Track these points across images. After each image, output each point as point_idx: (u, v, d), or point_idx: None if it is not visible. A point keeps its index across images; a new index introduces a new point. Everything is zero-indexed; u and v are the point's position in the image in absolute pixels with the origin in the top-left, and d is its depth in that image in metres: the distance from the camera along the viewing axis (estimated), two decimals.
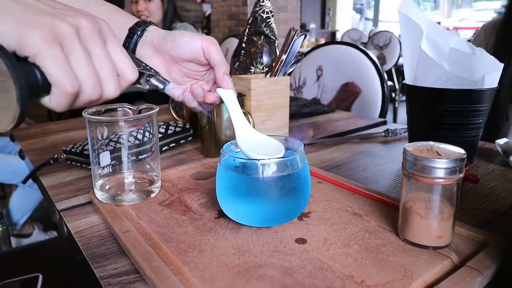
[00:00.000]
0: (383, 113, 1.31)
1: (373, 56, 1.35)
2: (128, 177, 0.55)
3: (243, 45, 1.03)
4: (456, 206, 0.39)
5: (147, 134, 0.54)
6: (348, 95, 1.40)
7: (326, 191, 0.54)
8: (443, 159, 0.37)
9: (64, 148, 0.71)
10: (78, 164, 0.69)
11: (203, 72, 0.54)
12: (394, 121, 3.80)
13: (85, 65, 0.35)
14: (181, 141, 0.80)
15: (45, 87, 0.33)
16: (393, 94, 3.99)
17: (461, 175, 0.38)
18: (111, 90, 0.38)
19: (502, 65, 0.63)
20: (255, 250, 0.40)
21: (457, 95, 0.62)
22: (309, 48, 1.63)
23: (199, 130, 0.76)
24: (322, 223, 0.45)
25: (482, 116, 0.64)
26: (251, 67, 0.99)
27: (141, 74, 0.45)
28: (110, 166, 0.53)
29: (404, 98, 0.75)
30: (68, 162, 0.70)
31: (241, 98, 0.76)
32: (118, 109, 0.54)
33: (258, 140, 0.48)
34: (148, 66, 0.46)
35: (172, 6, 1.91)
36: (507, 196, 0.56)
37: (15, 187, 1.71)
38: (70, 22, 0.34)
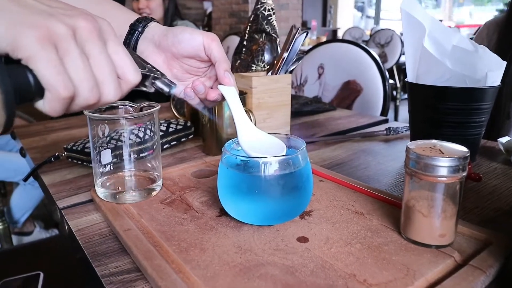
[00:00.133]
0: (384, 111, 1.31)
1: (375, 54, 1.35)
2: (129, 175, 0.55)
3: (244, 43, 1.02)
4: (459, 205, 0.39)
5: (148, 132, 0.54)
6: (349, 93, 1.39)
7: (328, 189, 0.54)
8: (446, 157, 0.37)
9: (65, 146, 0.71)
10: (79, 162, 0.69)
11: (205, 68, 0.53)
12: (396, 119, 3.79)
13: (81, 67, 0.33)
14: (182, 139, 0.80)
15: (39, 91, 0.32)
16: (395, 92, 3.99)
17: (464, 173, 0.38)
18: (110, 93, 0.36)
19: (504, 63, 0.63)
20: (256, 249, 0.40)
21: (460, 93, 0.62)
22: (310, 46, 1.62)
23: (201, 128, 0.76)
24: (324, 222, 0.45)
25: (485, 114, 0.64)
26: (252, 65, 0.99)
27: (145, 76, 0.43)
28: (111, 164, 0.53)
29: (405, 96, 0.75)
30: (69, 160, 0.70)
31: (243, 96, 0.76)
32: (119, 107, 0.54)
33: (259, 138, 0.48)
34: (153, 67, 0.44)
35: (173, 4, 1.90)
36: (510, 195, 0.56)
37: (16, 185, 1.71)
38: (67, 22, 0.32)
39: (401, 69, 4.08)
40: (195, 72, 0.53)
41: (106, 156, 0.52)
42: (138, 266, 0.40)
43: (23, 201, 1.69)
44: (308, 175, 0.45)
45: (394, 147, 0.79)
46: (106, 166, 0.53)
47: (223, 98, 0.50)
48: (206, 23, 5.33)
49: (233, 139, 0.48)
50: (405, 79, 0.70)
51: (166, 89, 0.46)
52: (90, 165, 0.64)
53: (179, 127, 0.79)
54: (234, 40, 2.39)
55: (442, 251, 0.39)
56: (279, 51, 1.00)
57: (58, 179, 0.65)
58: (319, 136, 0.87)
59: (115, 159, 0.53)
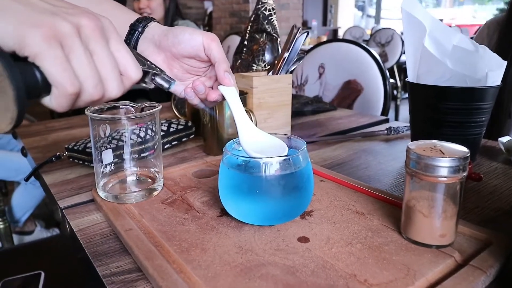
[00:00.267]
0: (385, 111, 1.31)
1: (375, 53, 1.35)
2: (131, 175, 0.55)
3: (245, 42, 1.02)
4: (459, 205, 0.39)
5: (149, 132, 0.54)
6: (350, 92, 1.39)
7: (329, 189, 0.54)
8: (446, 157, 0.37)
9: (66, 146, 0.71)
10: (81, 162, 0.69)
11: (205, 68, 0.53)
12: (396, 119, 3.79)
13: (85, 64, 0.34)
14: (183, 139, 0.80)
15: (46, 87, 0.33)
16: (395, 92, 3.98)
17: (465, 173, 0.38)
18: (114, 89, 0.37)
19: (505, 62, 0.63)
20: (257, 249, 0.40)
21: (460, 93, 0.62)
22: (311, 46, 1.62)
23: (201, 128, 0.76)
24: (325, 222, 0.45)
25: (485, 114, 0.64)
26: (253, 65, 0.99)
27: (145, 73, 0.44)
28: (113, 164, 0.53)
29: (406, 95, 0.75)
30: (71, 160, 0.70)
31: (243, 96, 0.76)
32: (121, 107, 0.54)
33: (260, 138, 0.48)
34: (153, 64, 0.46)
35: (173, 4, 1.90)
36: (510, 195, 0.56)
37: (18, 184, 1.72)
38: (71, 20, 0.33)
39: (401, 68, 4.08)
40: (195, 72, 0.54)
41: (108, 156, 0.52)
42: (139, 266, 0.40)
43: (24, 201, 1.69)
44: (309, 175, 0.45)
45: (394, 147, 0.79)
46: (108, 166, 0.53)
47: (223, 98, 0.51)
48: (207, 22, 5.33)
49: (234, 139, 0.48)
50: (406, 79, 0.70)
51: (165, 85, 0.47)
52: (92, 165, 0.64)
53: (180, 127, 0.79)
54: (235, 40, 2.39)
55: (442, 251, 0.39)
56: (280, 51, 1.00)
57: (59, 179, 0.65)
58: (320, 136, 0.87)
59: (116, 159, 0.53)
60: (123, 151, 0.53)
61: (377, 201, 0.50)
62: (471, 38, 0.69)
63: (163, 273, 0.36)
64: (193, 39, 0.50)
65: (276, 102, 0.82)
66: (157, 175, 0.56)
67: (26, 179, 0.68)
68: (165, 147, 0.76)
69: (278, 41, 1.03)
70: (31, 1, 0.33)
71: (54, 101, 0.34)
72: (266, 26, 1.00)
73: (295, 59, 0.83)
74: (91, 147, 0.53)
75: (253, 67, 0.99)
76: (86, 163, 0.68)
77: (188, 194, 0.54)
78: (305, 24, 6.68)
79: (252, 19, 1.02)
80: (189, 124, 0.81)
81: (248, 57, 1.00)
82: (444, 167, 0.37)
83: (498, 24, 1.04)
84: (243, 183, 0.43)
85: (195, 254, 0.40)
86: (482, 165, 0.68)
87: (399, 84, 4.05)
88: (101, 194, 0.53)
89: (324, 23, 8.73)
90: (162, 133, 0.75)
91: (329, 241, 0.41)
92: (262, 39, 1.00)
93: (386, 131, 0.85)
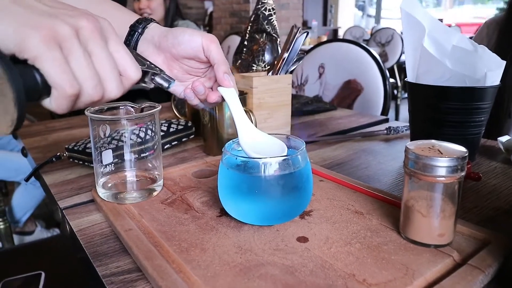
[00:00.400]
0: (385, 111, 1.31)
1: (375, 53, 1.35)
2: (130, 175, 0.55)
3: (245, 42, 1.02)
4: (457, 205, 0.39)
5: (149, 132, 0.54)
6: (350, 92, 1.39)
7: (328, 189, 0.54)
8: (444, 157, 0.37)
9: (66, 146, 0.71)
10: (81, 162, 0.69)
11: (204, 69, 0.54)
12: (396, 118, 3.79)
13: (85, 65, 0.34)
14: (183, 139, 0.80)
15: (45, 89, 0.33)
16: (395, 92, 3.98)
17: (463, 173, 0.38)
18: (113, 90, 0.37)
19: (504, 62, 0.63)
20: (257, 249, 0.40)
21: (460, 93, 0.62)
22: (311, 46, 1.62)
23: (201, 128, 0.76)
24: (324, 222, 0.46)
25: (484, 113, 0.64)
26: (253, 65, 0.99)
27: (145, 73, 0.45)
28: (113, 164, 0.53)
29: (406, 95, 0.75)
30: (71, 160, 0.71)
31: (243, 96, 0.76)
32: (121, 107, 0.54)
33: (260, 138, 0.48)
34: (152, 64, 0.46)
35: (174, 4, 1.90)
36: (509, 194, 0.56)
37: (18, 185, 1.72)
38: (69, 22, 0.34)
39: (402, 68, 4.08)
40: (195, 73, 0.54)
41: (107, 156, 0.52)
42: (139, 266, 0.40)
43: (24, 201, 1.69)
44: (308, 175, 0.45)
45: (394, 147, 0.79)
46: (107, 166, 0.53)
47: (223, 100, 0.51)
48: (207, 22, 5.34)
49: (233, 140, 0.48)
50: (405, 79, 0.71)
51: (165, 84, 0.48)
52: (92, 165, 0.65)
53: (180, 127, 0.79)
54: (235, 40, 2.39)
55: (441, 250, 0.39)
56: (280, 51, 1.00)
57: (59, 179, 0.65)
58: (320, 136, 0.87)
59: (116, 159, 0.53)
60: (123, 151, 0.53)
61: (376, 201, 0.50)
62: (471, 38, 0.69)
63: (162, 273, 0.36)
64: (192, 40, 0.50)
65: (276, 102, 0.82)
66: (156, 175, 0.56)
67: (27, 179, 0.68)
68: (165, 147, 0.76)
69: (278, 41, 1.03)
70: (31, 3, 0.33)
71: (54, 103, 0.34)
72: (266, 26, 1.00)
73: (295, 59, 0.83)
74: (91, 148, 0.54)
75: (253, 67, 0.99)
76: (86, 163, 0.68)
77: (187, 194, 0.54)
78: (305, 24, 6.68)
79: (252, 19, 1.02)
80: (189, 124, 0.81)
81: (248, 57, 1.01)
82: (442, 167, 0.37)
83: (497, 24, 1.04)
84: (243, 183, 0.43)
85: (194, 254, 0.40)
86: (481, 164, 0.68)
87: (399, 83, 4.05)
88: (101, 194, 0.53)
89: (324, 23, 8.73)
90: (162, 133, 0.75)
91: (328, 241, 0.41)
92: (262, 39, 1.00)
93: (386, 131, 0.85)
